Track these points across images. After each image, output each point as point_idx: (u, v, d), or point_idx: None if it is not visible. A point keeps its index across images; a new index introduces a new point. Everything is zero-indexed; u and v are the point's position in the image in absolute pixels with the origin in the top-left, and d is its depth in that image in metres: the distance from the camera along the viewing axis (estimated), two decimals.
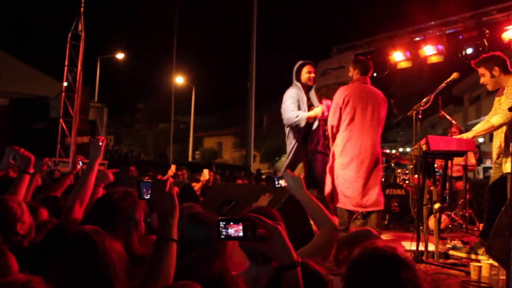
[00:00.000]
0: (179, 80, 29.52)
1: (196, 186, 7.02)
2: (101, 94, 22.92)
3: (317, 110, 5.63)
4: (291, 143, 5.75)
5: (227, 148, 46.55)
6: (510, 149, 4.46)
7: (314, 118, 5.69)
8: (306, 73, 5.81)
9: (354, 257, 1.58)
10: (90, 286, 1.57)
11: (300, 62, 5.88)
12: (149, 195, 2.06)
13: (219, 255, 1.91)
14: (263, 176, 15.45)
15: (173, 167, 7.46)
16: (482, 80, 4.66)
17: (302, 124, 5.59)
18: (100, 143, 2.94)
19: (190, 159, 31.48)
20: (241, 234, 1.54)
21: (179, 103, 30.74)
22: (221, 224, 1.56)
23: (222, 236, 1.57)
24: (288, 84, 5.98)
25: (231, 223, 1.55)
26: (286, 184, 2.55)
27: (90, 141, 2.92)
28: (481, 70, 4.60)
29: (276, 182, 2.71)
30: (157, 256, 1.75)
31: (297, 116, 5.58)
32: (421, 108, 4.69)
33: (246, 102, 19.02)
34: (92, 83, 22.80)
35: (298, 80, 5.83)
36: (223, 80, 44.62)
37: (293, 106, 5.61)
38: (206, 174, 7.20)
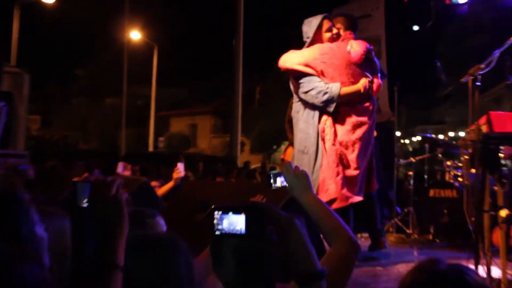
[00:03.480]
0: (135, 35, 29.36)
1: (165, 187, 6.97)
2: (21, 56, 22.68)
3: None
4: None
5: (204, 133, 46.59)
6: None
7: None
8: (326, 32, 6.18)
9: (408, 280, 1.60)
10: None
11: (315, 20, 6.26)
12: (87, 202, 2.03)
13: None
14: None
15: (120, 165, 7.40)
16: None
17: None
18: None
19: (151, 148, 31.43)
20: (242, 229, 1.58)
21: (134, 69, 30.59)
22: (217, 215, 1.59)
23: (217, 232, 1.62)
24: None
25: (231, 213, 1.59)
26: (285, 183, 2.51)
27: None
28: None
29: (272, 181, 2.65)
30: None
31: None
32: (481, 73, 4.67)
33: (230, 68, 18.97)
34: (6, 40, 22.53)
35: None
36: (198, 36, 44.33)
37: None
38: (181, 169, 7.12)
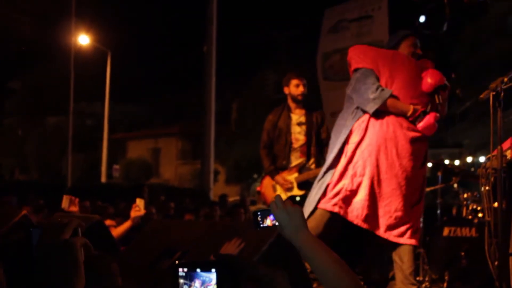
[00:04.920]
0: (83, 40, 29.31)
1: (121, 227, 6.95)
2: None
3: None
4: None
5: (169, 159, 46.45)
6: None
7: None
8: (409, 46, 6.35)
9: None
10: None
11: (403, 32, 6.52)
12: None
13: None
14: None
15: (65, 199, 7.38)
16: None
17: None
18: None
19: (104, 178, 31.25)
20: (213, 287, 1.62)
21: (83, 81, 30.52)
22: (181, 272, 1.60)
23: None
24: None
25: (198, 270, 1.63)
26: (275, 221, 2.51)
27: None
28: None
29: (259, 219, 2.64)
30: None
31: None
32: (505, 87, 4.73)
33: (201, 80, 19.01)
34: None
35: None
36: (160, 42, 44.40)
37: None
38: (141, 206, 7.12)
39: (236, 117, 42.53)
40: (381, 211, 5.89)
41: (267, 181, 7.78)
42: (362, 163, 5.92)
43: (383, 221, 5.88)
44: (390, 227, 5.88)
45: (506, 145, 4.53)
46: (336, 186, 5.94)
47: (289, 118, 7.69)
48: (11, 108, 45.46)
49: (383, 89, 5.92)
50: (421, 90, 5.98)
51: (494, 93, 4.71)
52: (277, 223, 2.49)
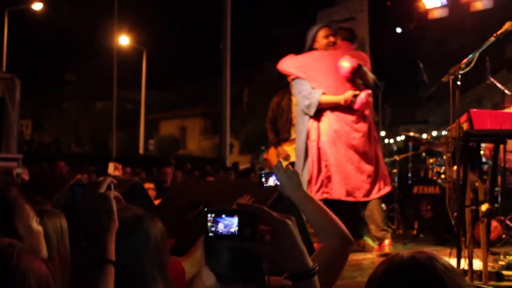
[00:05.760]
0: (124, 40, 29.28)
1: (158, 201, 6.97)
2: (12, 61, 22.57)
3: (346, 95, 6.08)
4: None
5: (194, 135, 46.43)
6: None
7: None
8: (323, 38, 6.37)
9: (376, 274, 1.60)
10: None
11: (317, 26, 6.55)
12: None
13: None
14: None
15: (111, 166, 7.44)
16: None
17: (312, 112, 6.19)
18: None
19: (141, 150, 31.35)
20: (235, 230, 1.60)
21: (124, 73, 30.50)
22: (210, 217, 1.61)
23: (210, 234, 1.62)
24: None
25: (223, 215, 1.61)
26: (277, 182, 2.53)
27: None
28: None
29: (263, 180, 2.66)
30: (90, 284, 1.73)
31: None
32: (461, 72, 4.71)
33: (218, 71, 18.95)
34: None
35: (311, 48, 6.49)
36: (186, 41, 44.15)
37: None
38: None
39: (247, 100, 42.42)
40: (357, 184, 6.05)
41: (272, 150, 7.84)
42: (326, 155, 6.09)
43: (362, 190, 6.05)
44: (368, 191, 6.07)
45: (462, 119, 4.52)
46: (317, 179, 6.11)
47: (290, 100, 7.69)
48: (68, 95, 45.59)
49: (315, 92, 6.07)
50: (343, 77, 6.07)
51: (453, 77, 4.69)
52: (278, 183, 2.52)
